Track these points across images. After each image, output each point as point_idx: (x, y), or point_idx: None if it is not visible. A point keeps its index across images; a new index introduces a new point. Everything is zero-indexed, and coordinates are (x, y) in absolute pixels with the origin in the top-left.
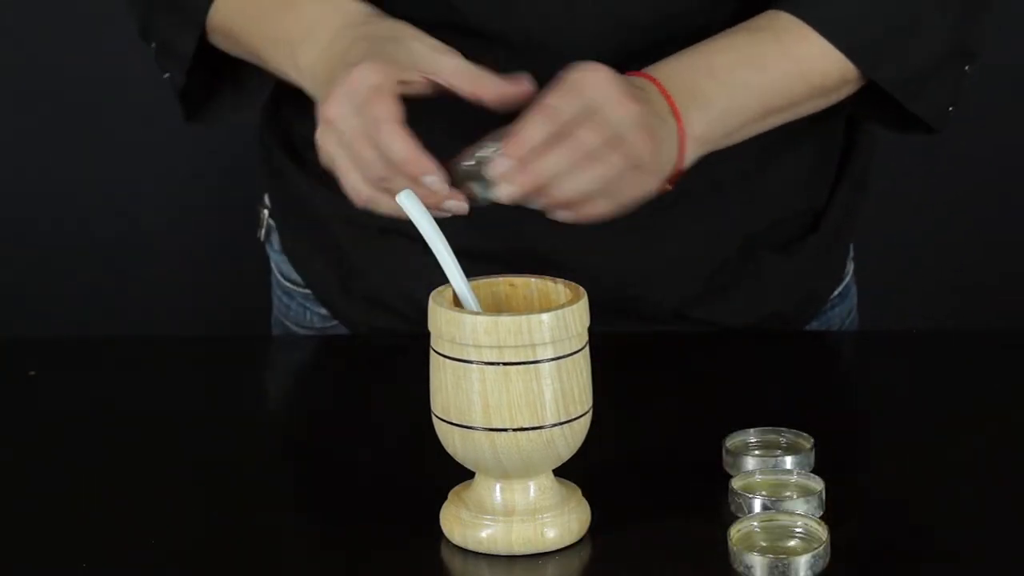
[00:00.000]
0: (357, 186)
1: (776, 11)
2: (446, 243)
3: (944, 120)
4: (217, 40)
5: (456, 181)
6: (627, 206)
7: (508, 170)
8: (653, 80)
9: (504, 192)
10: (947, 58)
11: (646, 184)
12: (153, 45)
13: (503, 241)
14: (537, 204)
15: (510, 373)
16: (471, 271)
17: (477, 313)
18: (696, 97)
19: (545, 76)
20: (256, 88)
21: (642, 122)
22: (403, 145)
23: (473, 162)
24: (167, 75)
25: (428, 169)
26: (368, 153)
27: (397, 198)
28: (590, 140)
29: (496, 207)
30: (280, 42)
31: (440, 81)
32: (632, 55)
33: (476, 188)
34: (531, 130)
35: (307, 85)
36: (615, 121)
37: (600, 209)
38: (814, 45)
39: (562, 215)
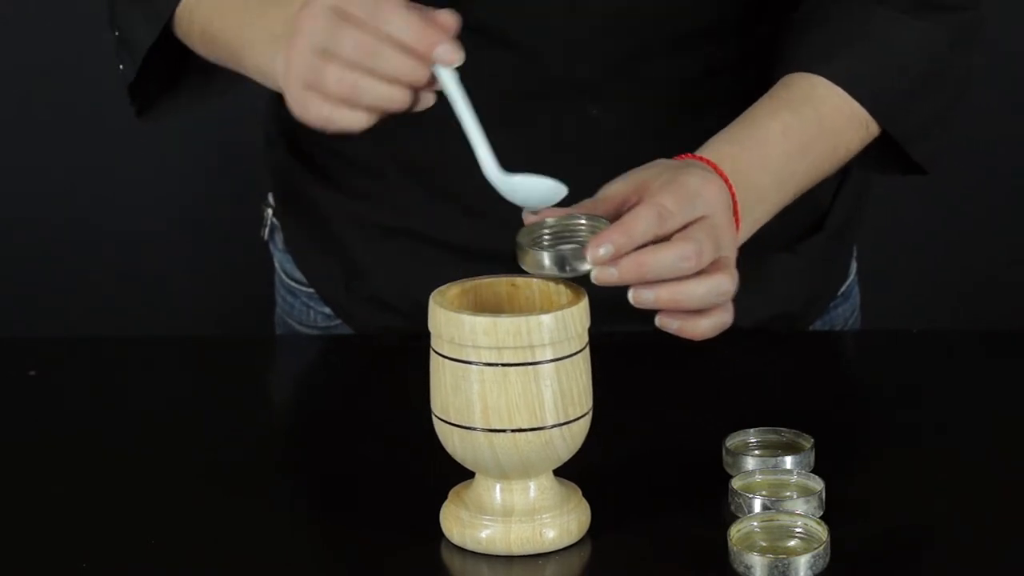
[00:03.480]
0: (337, 78)
1: (809, 76)
2: (479, 123)
3: (935, 165)
4: (194, 39)
5: (521, 237)
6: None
7: (607, 255)
8: (724, 177)
9: (604, 275)
10: (953, 102)
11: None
12: (116, 34)
13: (506, 241)
14: (633, 295)
15: (509, 374)
16: (474, 271)
17: (476, 314)
18: (754, 198)
19: (546, 75)
20: (218, 85)
21: (737, 243)
22: (408, 17)
23: (555, 227)
24: (121, 67)
25: (439, 38)
26: (354, 32)
27: (437, 71)
28: (706, 247)
29: (502, 204)
30: (263, 40)
31: None
32: (636, 55)
33: (547, 254)
34: (640, 224)
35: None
36: (726, 242)
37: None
38: (844, 113)
39: (646, 295)
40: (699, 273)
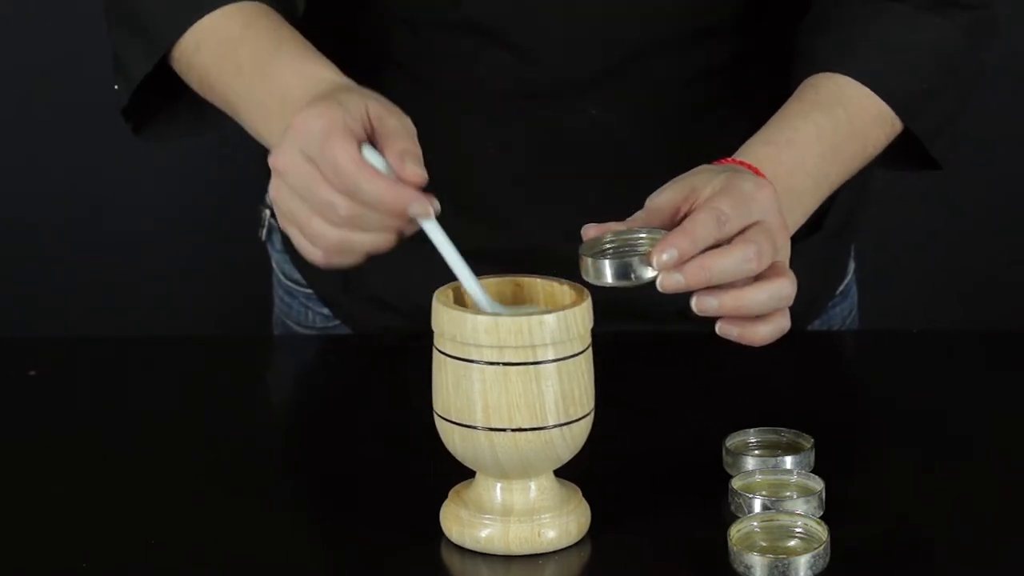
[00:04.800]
0: (324, 233)
1: (835, 76)
2: (468, 267)
3: (948, 160)
4: (192, 81)
5: (583, 250)
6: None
7: (671, 260)
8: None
9: (671, 281)
10: (965, 98)
11: None
12: (114, 50)
13: (509, 240)
14: (696, 303)
15: (510, 373)
16: (478, 270)
17: (479, 312)
18: (793, 201)
19: (545, 75)
20: (213, 119)
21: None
22: (375, 184)
23: (615, 241)
24: (116, 87)
25: (409, 198)
26: (331, 196)
27: (422, 225)
28: (765, 249)
29: (503, 204)
30: (254, 106)
31: (378, 135)
32: (636, 55)
33: (610, 263)
34: (701, 229)
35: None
36: (781, 245)
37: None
38: (871, 112)
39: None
40: (759, 278)
